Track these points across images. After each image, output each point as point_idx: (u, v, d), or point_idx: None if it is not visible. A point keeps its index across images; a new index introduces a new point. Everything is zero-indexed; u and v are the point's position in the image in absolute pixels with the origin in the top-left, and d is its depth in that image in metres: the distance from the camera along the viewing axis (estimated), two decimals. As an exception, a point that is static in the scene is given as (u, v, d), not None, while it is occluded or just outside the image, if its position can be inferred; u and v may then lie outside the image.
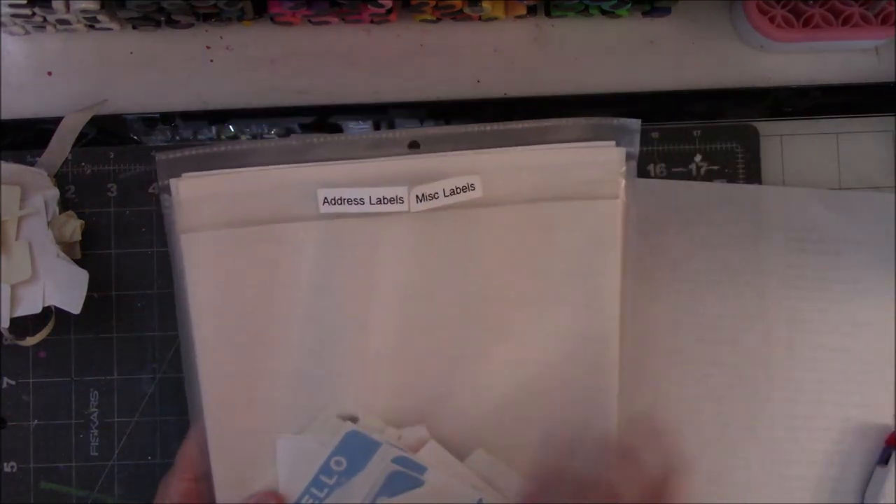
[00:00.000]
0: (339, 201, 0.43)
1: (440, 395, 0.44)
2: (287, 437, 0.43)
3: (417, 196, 0.43)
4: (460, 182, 0.43)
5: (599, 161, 0.44)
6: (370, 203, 0.43)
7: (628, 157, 0.44)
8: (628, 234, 0.44)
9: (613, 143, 0.44)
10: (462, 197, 0.43)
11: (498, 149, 0.44)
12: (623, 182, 0.44)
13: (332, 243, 0.43)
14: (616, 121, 0.44)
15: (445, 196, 0.43)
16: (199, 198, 0.43)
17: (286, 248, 0.43)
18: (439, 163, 0.43)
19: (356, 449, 0.42)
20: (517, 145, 0.44)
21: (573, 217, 0.44)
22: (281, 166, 0.43)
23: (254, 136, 0.50)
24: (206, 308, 0.43)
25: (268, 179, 0.43)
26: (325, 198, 0.43)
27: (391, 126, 0.51)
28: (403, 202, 0.43)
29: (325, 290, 0.43)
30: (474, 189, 0.43)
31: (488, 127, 0.44)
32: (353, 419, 0.43)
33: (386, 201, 0.43)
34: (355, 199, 0.43)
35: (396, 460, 0.41)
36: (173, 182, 0.43)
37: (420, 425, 0.43)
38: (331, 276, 0.43)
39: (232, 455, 0.43)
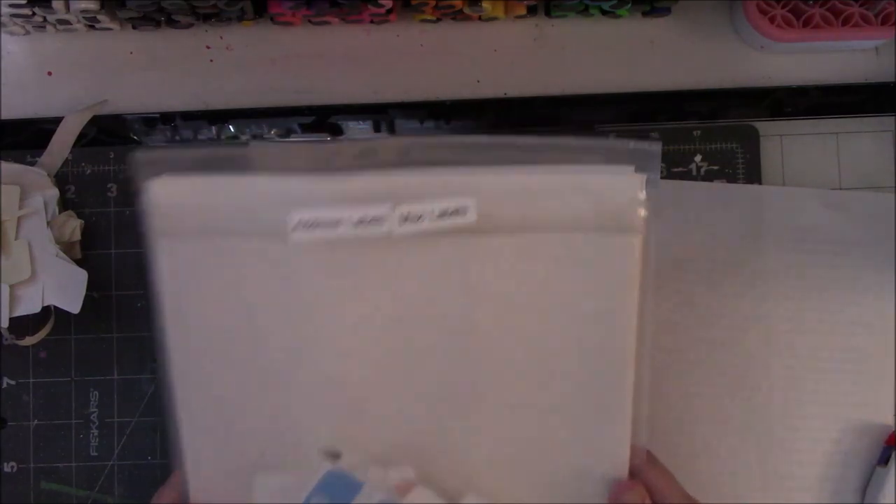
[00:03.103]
0: (315, 224, 0.38)
1: (429, 433, 0.40)
2: (265, 474, 0.40)
3: (402, 216, 0.38)
4: (451, 204, 0.38)
5: (615, 189, 0.38)
6: (349, 225, 0.38)
7: (649, 184, 0.38)
8: (646, 272, 0.38)
9: (632, 167, 0.39)
10: (452, 221, 0.38)
11: (499, 167, 0.39)
12: (643, 214, 0.38)
13: (310, 268, 0.39)
14: (634, 143, 0.39)
15: (434, 219, 0.38)
16: (172, 202, 0.39)
17: (260, 267, 0.39)
18: (431, 180, 0.39)
19: (337, 489, 0.39)
20: (521, 163, 0.39)
21: (584, 252, 0.39)
22: (261, 175, 0.39)
23: (254, 136, 0.51)
24: (178, 327, 0.39)
25: (243, 187, 0.39)
26: (301, 220, 0.38)
27: (391, 126, 0.51)
28: (385, 224, 0.38)
29: (302, 316, 0.39)
30: (466, 213, 0.38)
31: (489, 139, 0.40)
32: (336, 454, 0.40)
33: (367, 222, 0.38)
34: (332, 221, 0.38)
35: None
36: (148, 182, 0.39)
37: (407, 466, 0.39)
38: (308, 302, 0.39)
39: (210, 489, 0.40)
